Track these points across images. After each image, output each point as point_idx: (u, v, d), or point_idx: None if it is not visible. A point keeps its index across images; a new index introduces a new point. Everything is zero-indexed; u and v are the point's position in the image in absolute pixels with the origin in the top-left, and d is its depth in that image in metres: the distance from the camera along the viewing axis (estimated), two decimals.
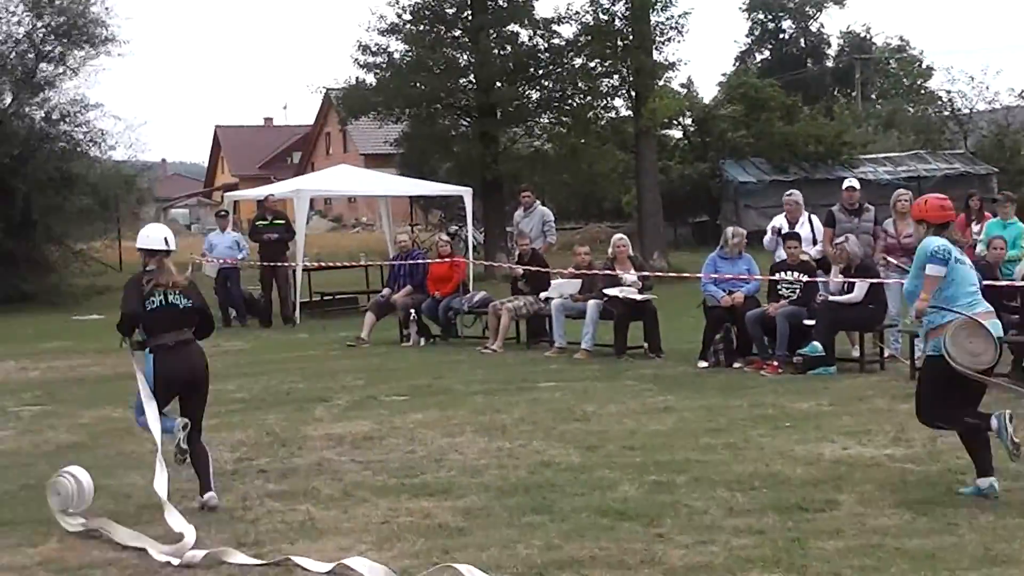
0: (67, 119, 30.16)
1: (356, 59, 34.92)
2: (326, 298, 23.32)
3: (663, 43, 33.55)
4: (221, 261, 21.16)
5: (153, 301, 7.88)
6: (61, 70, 30.14)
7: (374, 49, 34.75)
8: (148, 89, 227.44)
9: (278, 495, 8.10)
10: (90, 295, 28.08)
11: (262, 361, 15.80)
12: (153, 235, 8.17)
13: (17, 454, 9.88)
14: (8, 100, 29.81)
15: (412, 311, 17.33)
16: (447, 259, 18.07)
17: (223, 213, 22.96)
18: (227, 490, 8.22)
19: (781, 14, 71.60)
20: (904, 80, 60.72)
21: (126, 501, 8.00)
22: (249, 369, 14.95)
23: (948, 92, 46.48)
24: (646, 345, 15.03)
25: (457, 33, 35.32)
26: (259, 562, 6.50)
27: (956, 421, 7.72)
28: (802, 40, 72.53)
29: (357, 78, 35.40)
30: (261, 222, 21.33)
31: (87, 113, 30.24)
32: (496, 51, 34.62)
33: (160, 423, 7.72)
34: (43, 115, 30.12)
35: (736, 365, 13.74)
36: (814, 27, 72.21)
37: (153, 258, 8.11)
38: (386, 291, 18.34)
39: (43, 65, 30.06)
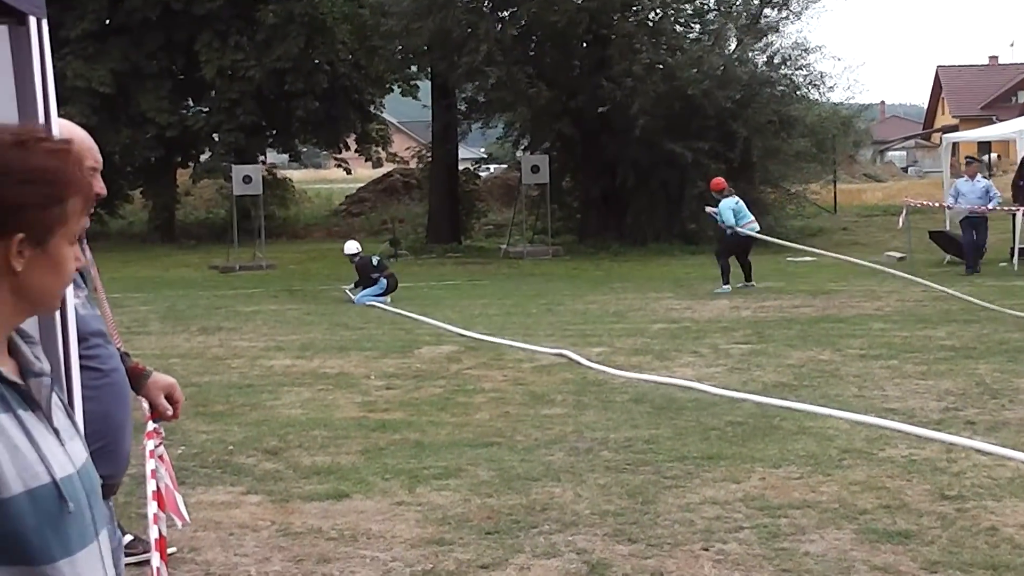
0: (788, 62, 30.74)
1: None
2: None
3: None
4: (968, 208, 20.59)
5: (373, 264, 18.75)
6: (784, 14, 30.77)
7: None
8: (869, 29, 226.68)
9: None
10: (803, 237, 28.48)
11: (974, 308, 15.13)
12: (352, 246, 19.61)
13: (731, 390, 10.06)
14: (733, 46, 30.87)
15: None
16: None
17: (971, 160, 22.24)
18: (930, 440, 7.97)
19: None
20: None
21: (828, 444, 7.95)
22: (960, 316, 14.43)
23: None
24: None
25: None
26: None
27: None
28: None
29: None
30: None
31: (808, 56, 30.79)
32: None
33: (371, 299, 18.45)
34: (765, 59, 30.93)
35: None
36: None
37: (357, 254, 19.20)
38: None
39: (767, 11, 30.82)
